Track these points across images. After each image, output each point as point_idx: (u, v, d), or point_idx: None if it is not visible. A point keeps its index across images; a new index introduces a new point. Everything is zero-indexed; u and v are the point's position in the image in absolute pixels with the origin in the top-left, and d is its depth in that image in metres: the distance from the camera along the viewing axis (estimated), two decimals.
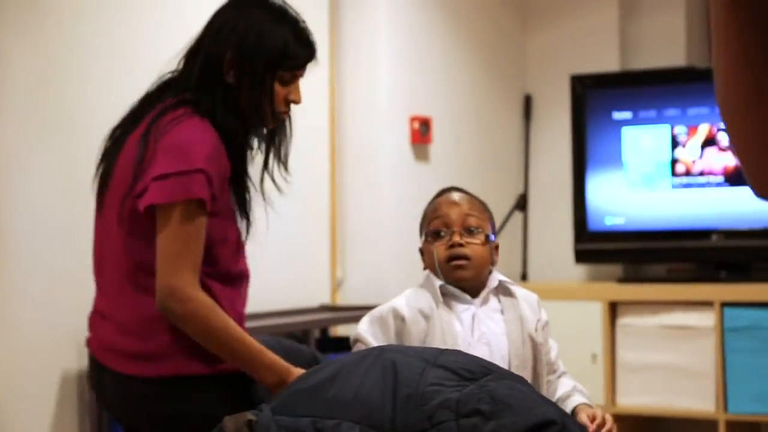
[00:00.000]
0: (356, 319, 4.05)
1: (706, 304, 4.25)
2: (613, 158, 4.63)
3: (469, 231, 2.34)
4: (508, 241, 4.86)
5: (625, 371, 4.43)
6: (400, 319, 2.31)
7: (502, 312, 2.36)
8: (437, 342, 2.26)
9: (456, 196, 2.40)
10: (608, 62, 4.90)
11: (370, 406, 1.78)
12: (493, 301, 2.38)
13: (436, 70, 4.64)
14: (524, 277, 5.03)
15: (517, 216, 5.03)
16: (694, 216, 4.52)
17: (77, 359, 3.19)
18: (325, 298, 4.29)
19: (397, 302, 2.35)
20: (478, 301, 2.34)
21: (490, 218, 2.43)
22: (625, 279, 4.73)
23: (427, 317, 2.31)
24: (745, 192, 4.39)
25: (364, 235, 4.39)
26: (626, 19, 4.98)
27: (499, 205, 4.94)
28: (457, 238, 2.32)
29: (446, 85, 4.72)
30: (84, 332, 3.13)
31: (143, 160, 2.26)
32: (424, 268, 2.42)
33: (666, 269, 4.79)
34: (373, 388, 1.80)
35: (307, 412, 1.81)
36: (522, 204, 5.02)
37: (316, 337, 3.90)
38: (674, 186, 4.53)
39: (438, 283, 2.33)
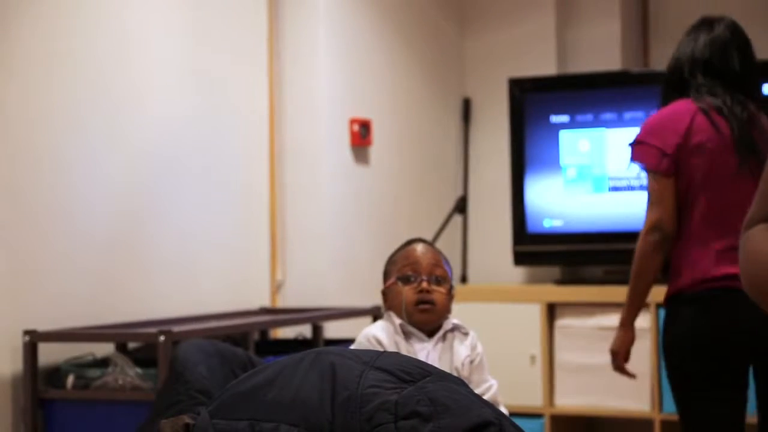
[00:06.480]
0: (296, 322, 4.07)
1: None
2: (552, 161, 4.67)
3: (436, 280, 2.59)
4: (447, 244, 4.88)
5: (563, 372, 4.48)
6: (378, 343, 2.54)
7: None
8: None
9: (425, 247, 2.65)
10: (546, 66, 4.94)
11: (308, 408, 1.78)
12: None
13: (375, 72, 4.65)
14: (464, 279, 5.06)
15: (457, 218, 5.06)
16: (630, 218, 4.56)
17: (11, 362, 3.15)
18: (265, 301, 4.28)
19: (373, 331, 2.59)
20: (432, 341, 2.58)
21: (451, 271, 2.69)
22: (563, 281, 4.77)
23: (397, 346, 2.56)
24: None
25: (304, 237, 4.39)
26: (563, 24, 5.03)
27: (439, 208, 4.96)
28: (425, 285, 2.57)
29: (386, 87, 4.73)
30: (17, 335, 3.10)
31: None
32: (387, 309, 2.64)
33: (603, 271, 4.85)
34: (312, 390, 1.80)
35: (246, 415, 1.80)
36: (461, 206, 5.05)
37: (256, 340, 3.89)
38: (611, 188, 4.58)
39: (398, 321, 2.57)
